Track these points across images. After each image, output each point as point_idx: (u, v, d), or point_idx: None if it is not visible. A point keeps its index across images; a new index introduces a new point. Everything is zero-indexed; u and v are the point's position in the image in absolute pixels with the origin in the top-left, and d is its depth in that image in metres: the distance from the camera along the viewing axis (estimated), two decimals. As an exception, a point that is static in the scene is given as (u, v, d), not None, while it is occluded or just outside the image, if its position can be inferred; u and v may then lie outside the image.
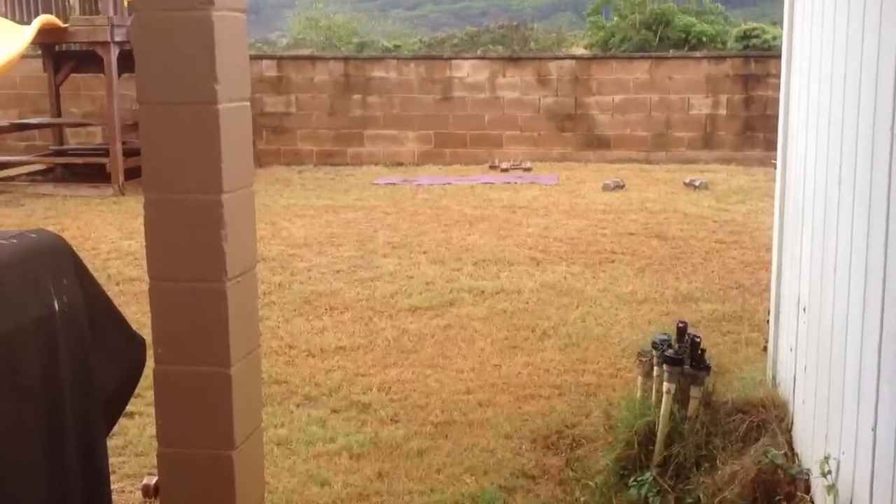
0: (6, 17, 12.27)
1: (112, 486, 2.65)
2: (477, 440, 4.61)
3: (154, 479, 2.17)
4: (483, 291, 7.24)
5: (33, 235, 2.08)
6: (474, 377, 5.48)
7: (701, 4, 21.18)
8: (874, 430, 2.60)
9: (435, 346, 6.03)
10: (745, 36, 17.68)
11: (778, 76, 4.75)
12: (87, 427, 2.19)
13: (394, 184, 12.96)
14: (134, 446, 4.52)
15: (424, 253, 8.57)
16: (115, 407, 2.41)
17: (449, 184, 12.84)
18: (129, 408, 3.33)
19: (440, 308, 6.84)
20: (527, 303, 6.97)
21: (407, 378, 5.48)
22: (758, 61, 14.88)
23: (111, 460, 3.26)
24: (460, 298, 7.07)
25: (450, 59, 15.66)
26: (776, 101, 4.81)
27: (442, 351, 5.95)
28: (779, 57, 4.76)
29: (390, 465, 4.34)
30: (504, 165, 14.29)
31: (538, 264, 8.14)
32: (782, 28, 4.63)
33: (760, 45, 16.87)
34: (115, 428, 2.98)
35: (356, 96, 15.20)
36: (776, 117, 4.68)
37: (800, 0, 4.26)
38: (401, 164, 15.01)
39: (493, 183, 12.83)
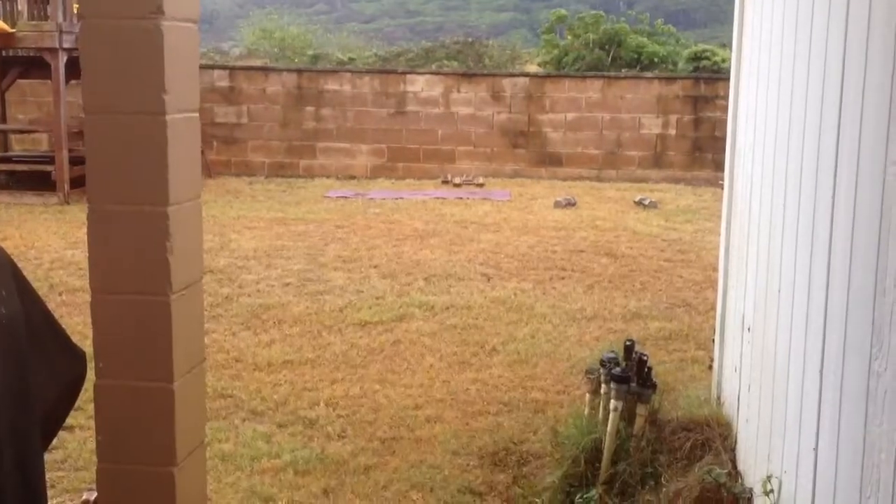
0: (-48, 19, 12.03)
1: (50, 502, 2.58)
2: (424, 456, 4.59)
3: (94, 495, 2.13)
4: (433, 307, 7.23)
5: (-29, 245, 2.03)
6: (423, 393, 5.46)
7: (652, 25, 21.51)
8: (815, 450, 2.64)
9: (384, 362, 6.01)
10: (696, 57, 17.99)
11: (727, 98, 4.84)
12: (23, 441, 2.14)
13: (346, 197, 12.92)
14: (73, 460, 4.43)
15: (375, 267, 8.55)
16: (53, 420, 2.35)
17: (401, 198, 12.83)
18: (68, 421, 3.26)
19: (390, 323, 6.82)
20: (476, 318, 6.98)
21: (355, 393, 5.44)
22: (707, 83, 15.15)
23: (50, 475, 3.19)
24: (410, 313, 7.06)
25: (404, 73, 15.69)
26: (724, 123, 4.89)
27: (391, 366, 5.93)
28: (728, 79, 4.84)
29: (336, 482, 4.30)
30: (457, 181, 14.34)
31: (489, 280, 8.16)
32: (731, 51, 4.71)
33: (710, 66, 17.18)
34: (55, 441, 2.91)
35: (309, 108, 15.14)
36: (724, 138, 4.75)
37: (749, 24, 4.34)
38: (353, 177, 14.98)
39: (445, 198, 12.86)
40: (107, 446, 2.09)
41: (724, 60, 16.77)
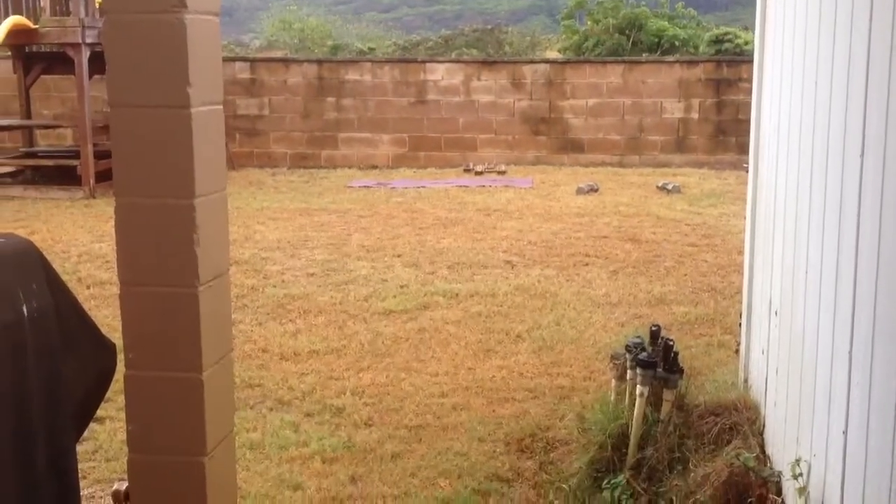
0: (-25, 17, 12.14)
1: (82, 492, 2.62)
2: (451, 444, 4.60)
3: (125, 485, 2.15)
4: (457, 295, 7.24)
5: (1, 240, 2.05)
6: (448, 380, 5.48)
7: (673, 9, 21.33)
8: (845, 433, 2.62)
9: (409, 350, 6.03)
10: (718, 40, 17.82)
11: (750, 80, 4.80)
12: (56, 433, 2.17)
13: (368, 187, 12.94)
14: (104, 451, 4.48)
15: (398, 256, 8.56)
16: (85, 412, 2.38)
17: (423, 187, 12.83)
18: (99, 412, 3.30)
19: (414, 311, 6.84)
20: (501, 306, 6.98)
21: (381, 381, 5.46)
22: (730, 66, 15.01)
23: (81, 465, 3.22)
24: (434, 302, 7.07)
25: (424, 62, 15.66)
26: (748, 106, 4.85)
27: (416, 354, 5.94)
28: (750, 61, 4.80)
29: (364, 469, 4.32)
30: (478, 169, 14.31)
31: (512, 267, 8.15)
32: (754, 33, 4.67)
33: (732, 49, 17.01)
34: (86, 433, 2.95)
35: (330, 99, 15.16)
36: (748, 121, 4.72)
37: (772, 6, 4.30)
38: (375, 167, 15.00)
39: (467, 186, 12.84)
40: (137, 437, 2.11)
41: (746, 43, 16.61)
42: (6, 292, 1.96)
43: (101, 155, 12.09)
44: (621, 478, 3.80)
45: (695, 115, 14.93)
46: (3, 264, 1.99)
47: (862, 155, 2.55)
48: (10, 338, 1.95)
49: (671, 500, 3.60)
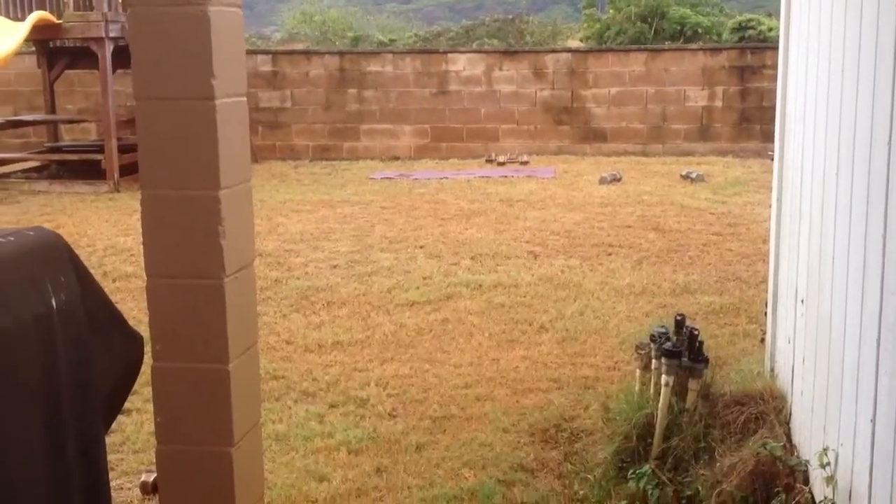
0: (0, 13, 12.23)
1: (110, 483, 2.64)
2: (475, 434, 4.61)
3: (152, 476, 2.17)
4: (481, 285, 7.24)
5: (30, 233, 2.07)
6: (472, 371, 5.48)
7: (696, -4, 21.15)
8: (873, 421, 2.60)
9: (433, 341, 6.03)
10: (741, 27, 17.66)
11: (774, 68, 4.75)
12: (86, 424, 2.19)
13: (390, 178, 12.95)
14: (132, 443, 4.51)
15: (421, 247, 8.56)
16: (113, 404, 2.40)
17: (445, 178, 12.82)
18: (126, 404, 3.33)
19: (438, 302, 6.84)
20: (524, 296, 6.96)
21: (405, 373, 5.47)
22: (754, 52, 14.89)
23: (108, 457, 3.26)
24: (458, 293, 7.07)
25: (446, 52, 15.64)
26: (772, 93, 4.81)
27: (440, 345, 5.95)
28: (775, 48, 4.75)
29: (389, 460, 4.33)
30: (501, 159, 14.28)
31: (536, 258, 8.13)
32: (778, 19, 4.62)
33: (756, 36, 16.86)
34: (113, 425, 2.97)
35: (352, 90, 15.17)
36: (772, 109, 4.67)
37: (796, -9, 4.25)
38: (397, 158, 15.00)
39: (489, 177, 12.82)
40: (165, 428, 2.13)
41: (770, 29, 16.46)
42: (35, 284, 1.98)
43: (124, 149, 12.17)
44: (647, 468, 3.78)
45: (718, 103, 14.82)
46: (31, 257, 2.01)
47: (889, 141, 2.52)
48: (40, 330, 1.97)
49: (697, 490, 3.58)
